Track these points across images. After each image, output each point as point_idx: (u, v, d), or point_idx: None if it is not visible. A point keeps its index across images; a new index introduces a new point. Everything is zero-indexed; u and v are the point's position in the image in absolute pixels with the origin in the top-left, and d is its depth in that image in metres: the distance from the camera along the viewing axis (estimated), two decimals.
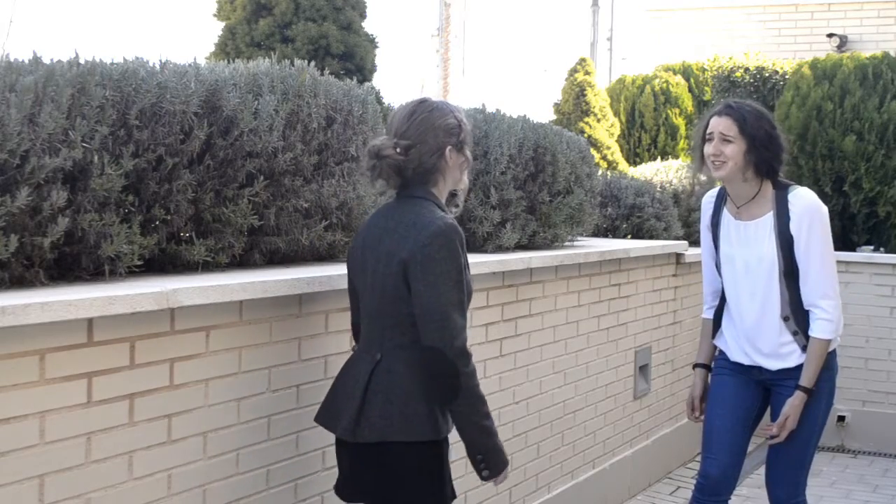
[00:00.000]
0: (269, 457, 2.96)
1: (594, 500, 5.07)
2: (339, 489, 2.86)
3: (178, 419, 2.66)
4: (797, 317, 3.54)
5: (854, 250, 7.28)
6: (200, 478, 2.73)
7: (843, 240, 7.56)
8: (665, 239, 6.20)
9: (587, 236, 5.55)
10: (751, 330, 3.61)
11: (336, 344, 3.20)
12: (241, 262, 3.11)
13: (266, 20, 4.21)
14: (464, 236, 2.69)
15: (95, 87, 2.59)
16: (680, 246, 5.98)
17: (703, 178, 3.80)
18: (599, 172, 5.97)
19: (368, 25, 4.43)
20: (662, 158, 7.87)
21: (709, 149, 3.54)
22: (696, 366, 3.92)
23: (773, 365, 3.59)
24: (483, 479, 2.71)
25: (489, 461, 2.69)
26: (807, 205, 3.52)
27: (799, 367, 3.55)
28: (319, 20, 4.21)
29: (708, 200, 3.78)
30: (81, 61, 2.66)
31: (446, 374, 2.62)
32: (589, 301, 4.94)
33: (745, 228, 3.60)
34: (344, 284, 3.10)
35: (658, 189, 6.55)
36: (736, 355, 3.70)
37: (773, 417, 3.64)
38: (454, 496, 2.80)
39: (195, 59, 3.06)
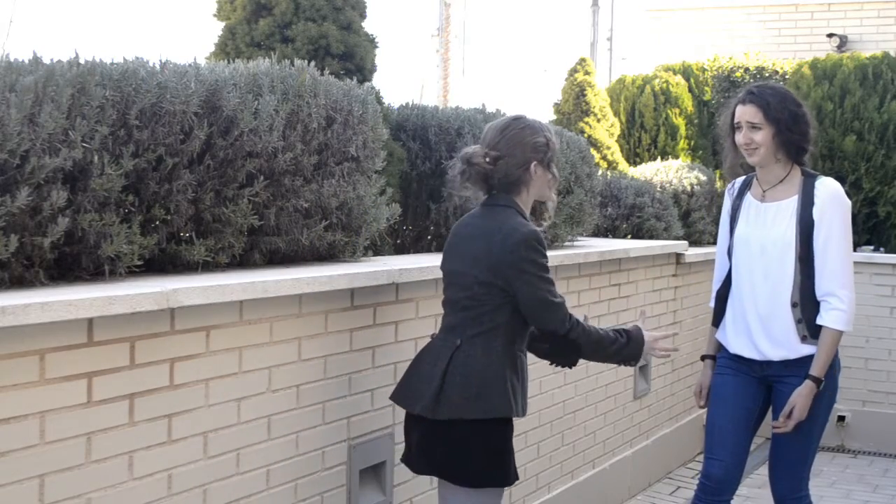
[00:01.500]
0: (269, 457, 2.96)
1: (594, 500, 5.07)
2: (409, 462, 3.10)
3: (178, 419, 2.66)
4: (804, 305, 3.53)
5: (854, 250, 7.27)
6: (200, 478, 2.73)
7: None
8: (665, 239, 6.20)
9: (587, 236, 5.55)
10: (763, 314, 3.58)
11: (336, 344, 3.20)
12: (241, 262, 3.11)
13: (266, 20, 4.20)
14: (543, 238, 2.95)
15: (95, 87, 2.59)
16: (680, 246, 5.98)
17: (726, 168, 3.81)
18: (599, 172, 5.97)
19: (368, 25, 4.42)
20: (662, 158, 7.86)
21: (739, 138, 3.59)
22: (703, 357, 3.91)
23: (776, 353, 3.57)
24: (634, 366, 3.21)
25: (626, 359, 3.13)
26: (832, 193, 3.55)
27: (799, 360, 3.54)
28: (319, 20, 4.20)
29: (732, 186, 3.81)
30: (81, 61, 2.66)
31: (565, 343, 3.00)
32: (589, 301, 4.94)
33: (765, 210, 3.62)
34: (343, 285, 3.13)
35: (658, 189, 6.55)
36: (736, 346, 3.67)
37: (775, 414, 3.63)
38: (517, 477, 3.03)
39: (195, 59, 3.07)
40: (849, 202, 3.60)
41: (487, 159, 2.95)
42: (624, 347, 3.09)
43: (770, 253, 3.57)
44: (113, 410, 2.48)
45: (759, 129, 3.54)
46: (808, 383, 3.50)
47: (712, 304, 3.87)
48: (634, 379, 5.53)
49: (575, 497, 4.88)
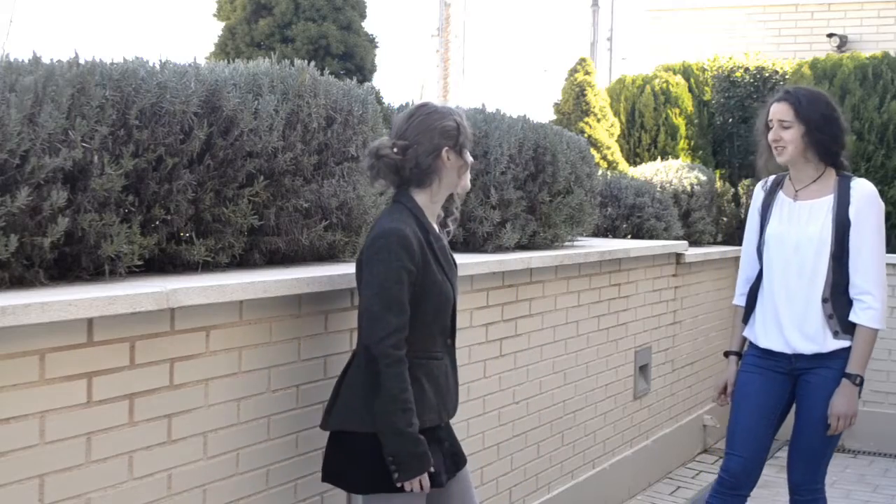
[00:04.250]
0: (269, 457, 2.96)
1: (594, 500, 5.07)
2: (321, 474, 2.99)
3: (178, 419, 2.66)
4: (835, 301, 3.58)
5: None
6: (200, 478, 2.73)
7: None
8: (665, 239, 6.20)
9: (587, 236, 5.55)
10: (798, 310, 3.62)
11: (336, 344, 3.20)
12: (241, 262, 3.11)
13: (266, 20, 4.20)
14: (410, 240, 2.74)
15: (95, 87, 2.59)
16: (680, 246, 5.98)
17: (760, 165, 3.86)
18: (599, 172, 5.97)
19: (368, 25, 4.42)
20: (662, 158, 7.86)
21: (770, 135, 3.65)
22: (728, 353, 3.93)
23: (808, 348, 3.61)
24: (395, 481, 2.73)
25: (399, 464, 2.72)
26: (868, 194, 3.62)
27: (831, 354, 3.60)
28: (319, 20, 4.21)
29: (762, 184, 3.86)
30: (81, 61, 2.66)
31: (373, 371, 2.70)
32: (589, 301, 4.94)
33: (799, 208, 3.67)
34: (343, 285, 3.12)
35: (658, 189, 6.55)
36: (766, 341, 3.71)
37: (799, 406, 3.69)
38: (437, 483, 2.82)
39: (195, 59, 3.06)
40: (882, 204, 3.66)
41: (395, 150, 2.81)
42: (412, 445, 2.69)
43: (805, 250, 3.62)
44: (113, 410, 2.48)
45: (788, 128, 3.60)
46: (846, 382, 3.56)
47: (738, 301, 3.90)
48: (634, 379, 5.53)
49: (575, 497, 4.88)
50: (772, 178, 3.84)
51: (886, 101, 7.34)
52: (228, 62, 3.21)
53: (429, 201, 2.88)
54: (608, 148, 7.47)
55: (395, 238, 2.72)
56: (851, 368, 3.57)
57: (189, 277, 2.79)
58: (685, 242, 6.13)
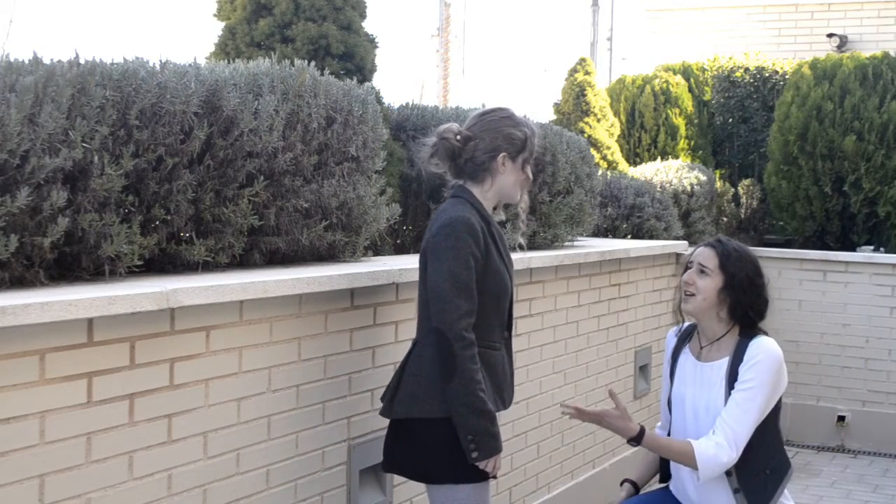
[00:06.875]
0: (269, 457, 2.96)
1: (594, 500, 5.08)
2: (382, 463, 3.08)
3: (178, 419, 2.66)
4: (741, 473, 3.17)
5: (854, 250, 7.28)
6: (200, 478, 2.73)
7: (843, 240, 7.57)
8: (665, 239, 6.21)
9: (587, 236, 5.55)
10: (699, 482, 3.21)
11: (336, 344, 3.20)
12: (241, 262, 3.11)
13: (266, 20, 4.19)
14: (476, 228, 2.85)
15: (95, 87, 2.59)
16: (680, 246, 5.98)
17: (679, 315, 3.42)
18: (599, 172, 5.97)
19: (368, 25, 4.41)
20: (662, 158, 7.87)
21: (684, 276, 3.30)
22: (624, 481, 3.48)
23: None
24: (472, 461, 2.81)
25: (479, 443, 2.79)
26: (763, 348, 3.18)
27: None
28: (319, 20, 4.20)
29: (673, 333, 3.50)
30: (81, 61, 2.66)
31: (446, 353, 2.79)
32: (589, 301, 4.94)
33: (701, 370, 3.28)
34: (343, 285, 3.13)
35: (658, 189, 6.56)
36: None
37: None
38: (489, 475, 2.88)
39: (195, 59, 3.07)
40: (779, 357, 3.20)
41: (458, 137, 2.95)
42: (491, 424, 2.79)
43: (702, 418, 3.23)
44: (113, 410, 2.48)
45: (707, 276, 3.23)
46: (627, 433, 3.17)
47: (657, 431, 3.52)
48: (634, 379, 5.53)
49: (575, 497, 4.88)
50: (685, 325, 3.41)
51: (886, 101, 7.34)
52: (228, 62, 3.21)
53: (481, 198, 2.97)
54: (608, 148, 7.47)
55: (461, 225, 2.83)
56: (636, 433, 3.15)
57: (189, 277, 2.79)
58: (685, 242, 6.13)
